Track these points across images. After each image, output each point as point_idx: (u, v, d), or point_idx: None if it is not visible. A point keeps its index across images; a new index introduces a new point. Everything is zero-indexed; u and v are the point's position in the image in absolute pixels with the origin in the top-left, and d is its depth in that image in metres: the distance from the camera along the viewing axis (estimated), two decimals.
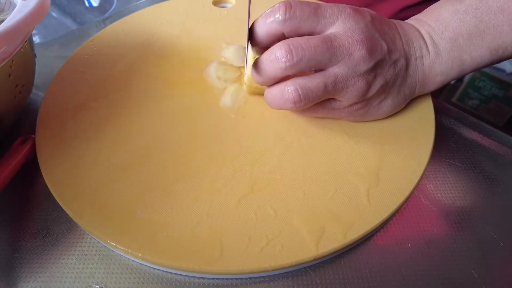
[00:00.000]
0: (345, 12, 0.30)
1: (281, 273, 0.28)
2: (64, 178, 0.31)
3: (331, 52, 0.29)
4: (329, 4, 0.30)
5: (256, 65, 0.31)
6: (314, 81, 0.29)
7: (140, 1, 0.58)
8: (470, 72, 0.34)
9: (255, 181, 0.31)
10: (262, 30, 0.30)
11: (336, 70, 0.29)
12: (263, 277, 0.27)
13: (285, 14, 0.29)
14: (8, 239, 0.30)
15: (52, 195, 0.30)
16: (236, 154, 0.32)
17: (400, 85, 0.33)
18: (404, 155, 0.32)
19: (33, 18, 0.30)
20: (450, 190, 0.33)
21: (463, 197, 0.32)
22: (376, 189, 0.30)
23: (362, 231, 0.28)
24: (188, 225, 0.28)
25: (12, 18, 0.28)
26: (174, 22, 0.46)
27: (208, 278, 0.27)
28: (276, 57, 0.29)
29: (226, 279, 0.27)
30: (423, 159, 0.32)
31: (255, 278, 0.27)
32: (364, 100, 0.32)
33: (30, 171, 0.33)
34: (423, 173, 0.31)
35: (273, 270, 0.26)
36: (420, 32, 0.34)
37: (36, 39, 0.58)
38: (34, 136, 0.34)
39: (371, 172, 0.31)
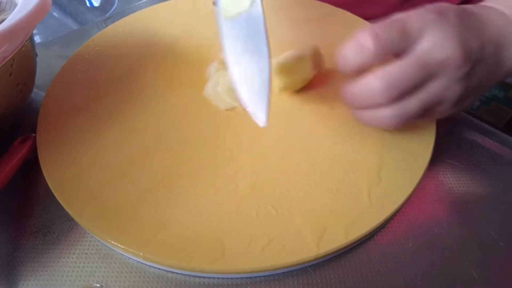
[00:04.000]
0: (430, 20, 0.27)
1: (282, 273, 0.28)
2: (65, 177, 0.31)
3: (428, 72, 0.27)
4: (410, 15, 0.28)
5: (348, 94, 0.30)
6: (412, 102, 0.28)
7: (141, 1, 0.58)
8: None
9: (256, 180, 0.31)
10: (353, 64, 0.28)
11: (434, 86, 0.28)
12: (264, 276, 0.27)
13: (375, 47, 0.27)
14: (9, 238, 0.30)
15: (53, 194, 0.30)
16: (237, 154, 0.32)
17: (492, 74, 0.30)
18: (405, 155, 0.32)
19: (34, 17, 0.30)
20: (451, 190, 0.33)
21: (463, 197, 0.32)
22: (377, 189, 0.30)
23: (363, 231, 0.28)
24: (189, 225, 0.28)
25: (13, 17, 0.28)
26: (174, 22, 0.46)
27: (209, 278, 0.27)
28: (374, 93, 0.28)
29: (227, 278, 0.27)
30: (424, 159, 0.32)
31: (256, 277, 0.27)
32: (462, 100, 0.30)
33: (31, 170, 0.33)
34: (424, 173, 0.31)
35: (274, 269, 0.26)
36: (505, 15, 0.30)
37: (37, 38, 0.58)
38: (34, 135, 0.34)
39: (372, 171, 0.31)
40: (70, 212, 0.29)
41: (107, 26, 0.46)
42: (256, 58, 0.29)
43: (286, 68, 0.35)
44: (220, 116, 0.36)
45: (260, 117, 0.29)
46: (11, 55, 0.30)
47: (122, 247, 0.27)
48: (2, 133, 0.36)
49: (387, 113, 0.29)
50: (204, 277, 0.27)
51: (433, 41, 0.27)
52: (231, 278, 0.27)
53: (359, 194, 0.30)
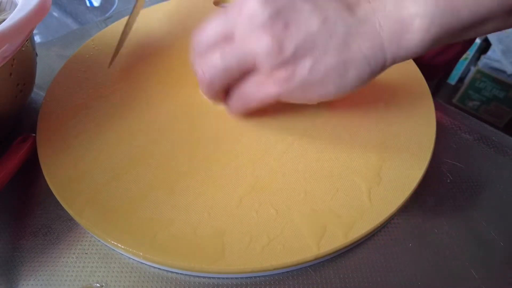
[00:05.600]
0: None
1: (282, 273, 0.28)
2: (65, 177, 0.31)
3: (225, 21, 0.26)
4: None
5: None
6: (215, 55, 0.27)
7: None
8: (476, 25, 0.23)
9: (256, 180, 0.31)
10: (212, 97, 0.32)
11: (234, 34, 0.26)
12: (264, 276, 0.27)
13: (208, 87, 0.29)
14: (9, 238, 0.30)
15: (53, 194, 0.30)
16: (237, 153, 0.32)
17: (345, 37, 0.24)
18: (405, 155, 0.32)
19: (34, 17, 0.30)
20: (451, 190, 0.33)
21: (463, 197, 0.32)
22: (378, 189, 0.30)
23: (363, 231, 0.28)
24: (189, 224, 0.28)
25: (13, 17, 0.28)
26: (175, 22, 0.46)
27: (209, 277, 0.27)
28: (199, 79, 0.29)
29: (227, 278, 0.27)
30: (424, 159, 0.32)
31: (256, 277, 0.27)
32: (285, 63, 0.25)
33: (31, 170, 0.33)
34: (424, 173, 0.31)
35: (274, 269, 0.26)
36: None
37: (37, 38, 0.58)
38: (34, 135, 0.34)
39: (373, 171, 0.31)
40: (70, 212, 0.29)
41: (107, 26, 0.46)
42: None
43: None
44: (220, 116, 0.36)
45: None
46: (11, 55, 0.30)
47: (122, 247, 0.27)
48: (2, 133, 0.36)
49: (198, 71, 0.29)
50: (204, 277, 0.27)
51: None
52: (231, 278, 0.27)
53: (359, 194, 0.30)
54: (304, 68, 0.25)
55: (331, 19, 0.24)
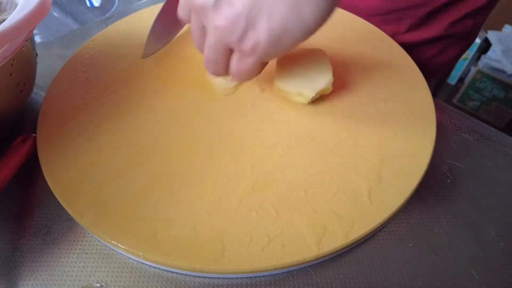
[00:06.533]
0: None
1: (282, 272, 0.28)
2: (65, 177, 0.31)
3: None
4: None
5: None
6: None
7: (141, 1, 0.58)
8: None
9: (256, 180, 0.31)
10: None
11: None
12: (264, 276, 0.27)
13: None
14: (9, 238, 0.30)
15: (53, 194, 0.30)
16: (237, 154, 0.32)
17: None
18: (405, 155, 0.32)
19: (34, 17, 0.30)
20: (451, 191, 0.33)
21: (463, 197, 0.32)
22: (378, 189, 0.30)
23: (363, 231, 0.28)
24: (189, 224, 0.28)
25: (14, 17, 0.28)
26: None
27: (209, 278, 0.27)
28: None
29: (227, 278, 0.27)
30: (424, 159, 0.32)
31: (256, 277, 0.27)
32: (245, 34, 0.27)
33: (31, 170, 0.33)
34: (424, 173, 0.31)
35: (274, 269, 0.26)
36: None
37: (37, 38, 0.58)
38: (34, 135, 0.34)
39: (373, 171, 0.31)
40: (70, 212, 0.29)
41: (107, 26, 0.46)
42: None
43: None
44: (220, 116, 0.36)
45: None
46: (12, 55, 0.30)
47: (122, 247, 0.27)
48: (2, 133, 0.36)
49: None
50: (204, 277, 0.27)
51: None
52: (231, 278, 0.27)
53: (359, 194, 0.30)
54: (262, 28, 0.26)
55: None
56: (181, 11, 0.31)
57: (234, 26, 0.27)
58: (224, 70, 0.31)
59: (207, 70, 0.32)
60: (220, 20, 0.27)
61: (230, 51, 0.29)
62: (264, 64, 0.31)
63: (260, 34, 0.27)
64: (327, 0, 0.26)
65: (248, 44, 0.27)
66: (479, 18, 0.55)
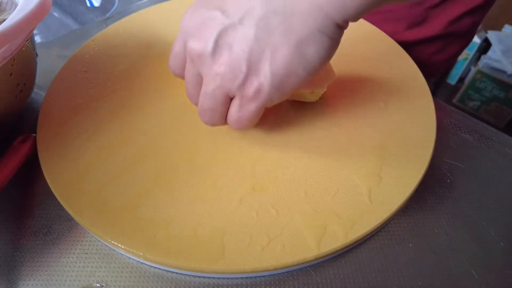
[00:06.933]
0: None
1: (282, 273, 0.28)
2: (65, 177, 0.31)
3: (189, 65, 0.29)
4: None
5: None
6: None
7: (142, 1, 0.58)
8: None
9: (256, 180, 0.31)
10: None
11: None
12: (264, 276, 0.27)
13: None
14: (9, 238, 0.30)
15: (53, 194, 0.30)
16: (237, 153, 0.32)
17: (283, 24, 0.25)
18: (405, 155, 0.32)
19: (34, 17, 0.30)
20: (451, 190, 0.33)
21: (463, 197, 0.32)
22: (378, 189, 0.30)
23: (363, 231, 0.28)
24: (189, 224, 0.28)
25: (14, 17, 0.28)
26: (175, 22, 0.46)
27: (209, 278, 0.27)
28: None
29: (227, 278, 0.27)
30: (424, 159, 0.32)
31: (256, 277, 0.27)
32: (247, 79, 0.26)
33: (31, 169, 0.33)
34: (424, 174, 0.31)
35: (274, 269, 0.26)
36: None
37: (37, 38, 0.58)
38: (34, 135, 0.34)
39: (373, 171, 0.31)
40: (70, 212, 0.29)
41: (107, 26, 0.46)
42: None
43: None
44: None
45: None
46: (12, 55, 0.30)
47: (122, 247, 0.27)
48: (2, 133, 0.36)
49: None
50: (204, 277, 0.27)
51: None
52: (231, 278, 0.27)
53: (360, 194, 0.30)
54: (265, 72, 0.26)
55: (262, 19, 0.25)
56: (173, 62, 0.30)
57: (235, 71, 0.26)
58: (221, 119, 0.30)
59: (201, 119, 0.30)
60: (220, 66, 0.26)
61: (229, 100, 0.28)
62: (262, 111, 0.29)
63: (263, 78, 0.26)
64: (331, 38, 0.25)
65: (251, 89, 0.26)
66: (478, 16, 0.55)
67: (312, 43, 0.25)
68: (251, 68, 0.26)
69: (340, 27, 0.26)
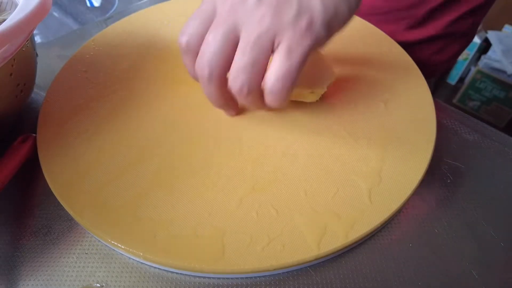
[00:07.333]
0: None
1: (282, 273, 0.28)
2: (65, 177, 0.31)
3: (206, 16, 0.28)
4: None
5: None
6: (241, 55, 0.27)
7: (142, 1, 0.58)
8: None
9: (256, 180, 0.31)
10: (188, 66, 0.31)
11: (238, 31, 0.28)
12: (264, 276, 0.27)
13: (184, 44, 0.29)
14: (9, 238, 0.30)
15: (53, 194, 0.30)
16: (237, 153, 0.32)
17: None
18: (406, 155, 0.32)
19: (35, 17, 0.30)
20: (451, 190, 0.33)
21: (463, 197, 0.32)
22: (378, 189, 0.30)
23: (363, 231, 0.28)
24: (190, 224, 0.28)
25: (14, 17, 0.28)
26: (175, 22, 0.46)
27: (209, 278, 0.27)
28: (202, 80, 0.29)
29: (227, 278, 0.27)
30: (424, 159, 0.32)
31: (256, 277, 0.27)
32: (301, 13, 0.27)
33: (31, 170, 0.33)
34: (425, 174, 0.31)
35: (275, 269, 0.26)
36: None
37: (37, 38, 0.58)
38: (34, 135, 0.34)
39: (373, 172, 0.31)
40: (70, 212, 0.29)
41: (107, 26, 0.46)
42: None
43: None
44: (220, 116, 0.36)
45: None
46: (12, 55, 0.30)
47: (122, 247, 0.27)
48: (2, 133, 0.36)
49: (236, 88, 0.28)
50: (204, 277, 0.27)
51: None
52: (231, 278, 0.27)
53: (360, 194, 0.30)
54: (317, 8, 0.27)
55: None
56: (191, 30, 0.29)
57: (284, 9, 0.26)
58: (259, 78, 0.28)
59: (233, 86, 0.28)
60: (267, 7, 0.26)
61: (271, 50, 0.27)
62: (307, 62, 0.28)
63: (316, 13, 0.27)
64: None
65: (303, 23, 0.26)
66: (478, 16, 0.55)
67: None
68: (302, 5, 0.26)
69: None
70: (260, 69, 0.27)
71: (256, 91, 0.28)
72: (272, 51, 0.27)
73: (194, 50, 0.29)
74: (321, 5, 0.27)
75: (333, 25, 0.28)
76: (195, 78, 0.31)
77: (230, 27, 0.27)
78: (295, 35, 0.27)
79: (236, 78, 0.28)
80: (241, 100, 0.30)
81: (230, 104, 0.33)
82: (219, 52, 0.27)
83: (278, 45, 0.27)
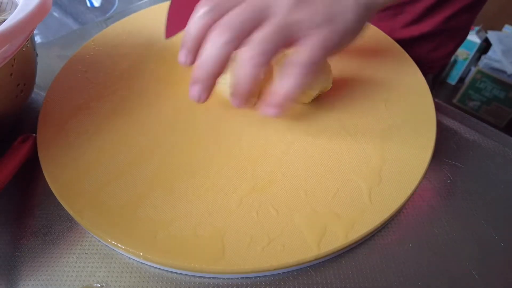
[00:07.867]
0: None
1: (283, 273, 0.28)
2: (65, 177, 0.31)
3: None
4: None
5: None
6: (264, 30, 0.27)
7: (142, 1, 0.58)
8: None
9: (256, 180, 0.31)
10: (194, 29, 0.30)
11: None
12: (264, 276, 0.27)
13: (207, 6, 0.29)
14: (9, 238, 0.30)
15: (53, 194, 0.30)
16: (237, 153, 0.32)
17: None
18: (406, 155, 0.32)
19: (35, 17, 0.30)
20: (451, 191, 0.33)
21: (463, 197, 0.32)
22: (378, 189, 0.30)
23: (363, 231, 0.28)
24: (190, 225, 0.28)
25: (14, 18, 0.28)
26: None
27: (209, 278, 0.27)
28: (216, 40, 0.28)
29: (227, 278, 0.27)
30: (424, 159, 0.32)
31: (256, 277, 0.27)
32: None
33: (31, 170, 0.33)
34: (425, 174, 0.31)
35: (275, 269, 0.26)
36: None
37: (37, 39, 0.58)
38: (34, 135, 0.34)
39: (373, 172, 0.31)
40: (70, 212, 0.29)
41: (107, 26, 0.46)
42: None
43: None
44: (220, 116, 0.36)
45: None
46: (12, 55, 0.30)
47: (122, 247, 0.27)
48: (2, 133, 0.36)
49: (246, 56, 0.27)
50: (204, 277, 0.27)
51: None
52: (231, 278, 0.27)
53: (360, 194, 0.30)
54: (340, 22, 0.29)
55: None
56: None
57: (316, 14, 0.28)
58: (268, 59, 0.28)
59: (245, 67, 0.27)
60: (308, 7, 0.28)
61: (285, 44, 0.28)
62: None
63: (339, 25, 0.29)
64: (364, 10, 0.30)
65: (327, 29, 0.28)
66: (473, 12, 0.56)
67: (363, 14, 0.30)
68: (328, 17, 0.28)
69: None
70: (276, 48, 0.28)
71: (266, 67, 0.28)
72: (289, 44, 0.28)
73: (219, 12, 0.29)
74: (344, 24, 0.29)
75: (347, 40, 0.30)
76: (195, 42, 0.31)
77: (261, 7, 0.28)
78: (314, 29, 0.28)
79: (253, 57, 0.27)
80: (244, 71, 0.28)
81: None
82: (245, 20, 0.28)
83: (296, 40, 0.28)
